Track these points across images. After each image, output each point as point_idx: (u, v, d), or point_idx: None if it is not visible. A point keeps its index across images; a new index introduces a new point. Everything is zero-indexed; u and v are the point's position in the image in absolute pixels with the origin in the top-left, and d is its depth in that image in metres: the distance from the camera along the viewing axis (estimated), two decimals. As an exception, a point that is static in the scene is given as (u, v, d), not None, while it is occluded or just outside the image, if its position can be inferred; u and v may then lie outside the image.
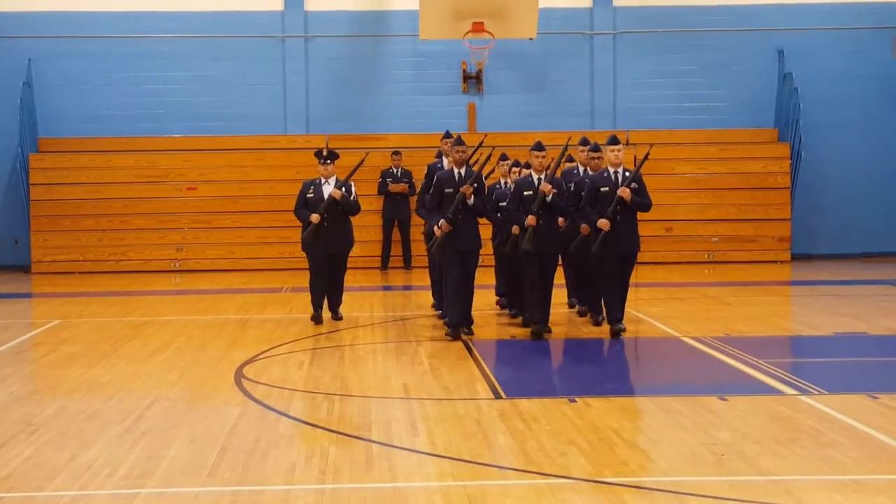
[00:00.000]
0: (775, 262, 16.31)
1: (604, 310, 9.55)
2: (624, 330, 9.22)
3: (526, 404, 6.76)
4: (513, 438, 5.95)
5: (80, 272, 15.95)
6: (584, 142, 10.31)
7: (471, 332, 9.35)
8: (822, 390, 7.07)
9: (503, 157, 10.28)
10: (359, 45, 16.98)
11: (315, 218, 10.02)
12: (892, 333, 9.63)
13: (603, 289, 9.37)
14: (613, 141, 9.22)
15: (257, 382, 7.61)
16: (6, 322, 11.20)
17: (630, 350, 8.82)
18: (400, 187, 15.87)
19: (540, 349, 8.85)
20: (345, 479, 5.25)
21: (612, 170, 9.21)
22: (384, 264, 16.03)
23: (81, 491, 5.11)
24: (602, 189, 9.18)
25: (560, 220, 9.39)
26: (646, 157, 9.18)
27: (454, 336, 9.18)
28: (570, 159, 10.41)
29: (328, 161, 10.10)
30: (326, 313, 10.45)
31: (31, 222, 16.13)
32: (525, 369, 8.23)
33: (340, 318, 10.41)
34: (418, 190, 11.20)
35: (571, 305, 10.84)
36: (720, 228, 16.40)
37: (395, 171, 15.97)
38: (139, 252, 16.18)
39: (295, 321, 10.56)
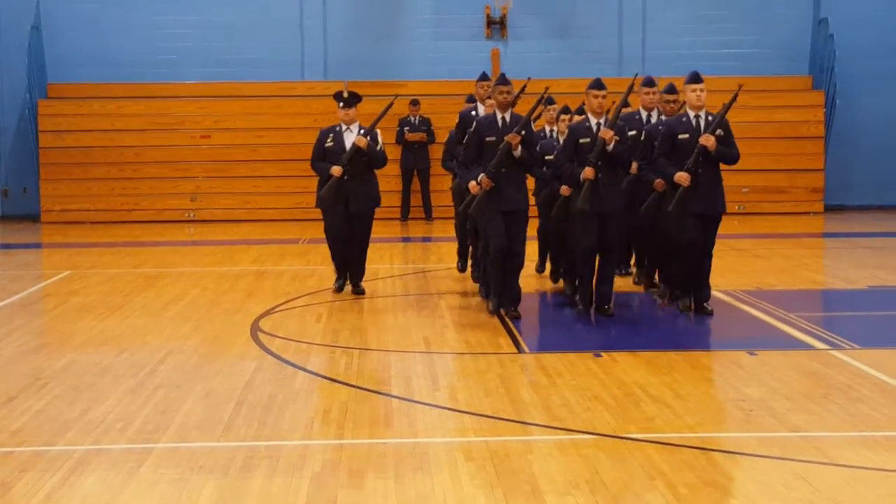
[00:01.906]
0: (807, 213, 16.00)
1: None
2: (710, 312, 7.93)
3: (550, 359, 6.65)
4: (536, 394, 5.85)
5: (90, 222, 15.76)
6: (649, 82, 9.05)
7: (517, 313, 7.93)
8: (854, 345, 6.94)
9: (550, 101, 9.04)
10: (378, -12, 16.64)
11: (336, 171, 8.69)
12: (927, 287, 9.47)
13: (676, 258, 8.03)
14: (695, 79, 7.77)
15: (274, 336, 7.50)
16: (16, 273, 11.09)
17: (657, 305, 8.58)
18: (418, 136, 15.64)
19: (564, 303, 8.65)
20: (364, 435, 5.17)
21: (692, 114, 7.81)
22: (404, 215, 15.88)
23: (94, 445, 5.04)
24: (680, 137, 7.80)
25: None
26: (734, 99, 7.80)
27: (494, 312, 7.99)
28: (626, 104, 8.99)
29: (350, 105, 8.83)
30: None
31: (40, 170, 15.93)
32: (549, 324, 8.11)
33: (363, 293, 9.03)
34: (443, 140, 10.37)
35: (626, 273, 9.72)
36: (751, 179, 15.99)
37: (412, 119, 15.73)
38: (152, 202, 16.01)
39: (312, 273, 10.41)
